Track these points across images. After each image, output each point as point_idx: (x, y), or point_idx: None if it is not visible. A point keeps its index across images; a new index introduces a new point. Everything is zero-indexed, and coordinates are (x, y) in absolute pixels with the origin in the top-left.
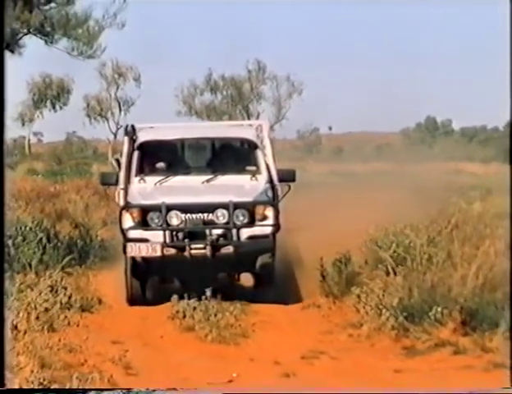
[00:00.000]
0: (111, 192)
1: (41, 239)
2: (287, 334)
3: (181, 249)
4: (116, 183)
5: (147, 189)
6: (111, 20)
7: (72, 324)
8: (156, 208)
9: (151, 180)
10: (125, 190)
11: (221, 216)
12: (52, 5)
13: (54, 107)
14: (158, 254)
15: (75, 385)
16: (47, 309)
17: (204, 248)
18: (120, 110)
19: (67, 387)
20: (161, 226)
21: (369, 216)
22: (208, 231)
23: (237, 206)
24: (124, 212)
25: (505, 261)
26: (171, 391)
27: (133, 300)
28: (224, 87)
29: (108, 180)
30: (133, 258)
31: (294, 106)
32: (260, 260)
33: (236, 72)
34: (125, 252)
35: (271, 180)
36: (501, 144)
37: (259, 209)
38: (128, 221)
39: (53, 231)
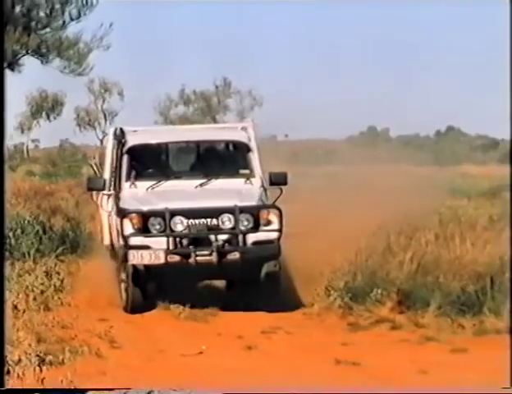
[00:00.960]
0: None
1: (38, 231)
2: (250, 313)
3: (186, 256)
4: (103, 188)
5: (139, 194)
6: (98, 43)
7: (65, 304)
8: (158, 214)
9: (142, 185)
10: (117, 195)
11: (226, 221)
12: (48, 30)
13: (49, 118)
14: (162, 261)
15: (67, 356)
16: (42, 292)
17: (210, 254)
18: (105, 120)
19: (68, 388)
20: (164, 232)
21: (323, 209)
22: (213, 237)
23: (241, 210)
24: (124, 218)
25: (435, 249)
26: (171, 391)
27: (133, 309)
28: (195, 100)
29: (95, 186)
30: (134, 266)
31: (256, 116)
32: (266, 268)
33: (206, 88)
34: (126, 260)
35: (262, 184)
36: (432, 150)
37: (263, 214)
38: (128, 227)
39: (48, 224)
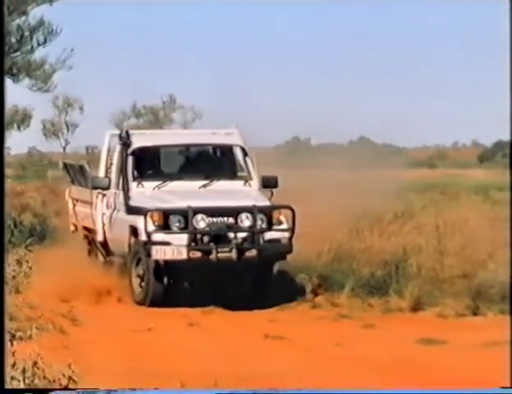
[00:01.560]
0: (61, 192)
1: (9, 225)
2: None
3: (207, 253)
4: (108, 187)
5: (146, 193)
6: (61, 65)
7: (33, 288)
8: (179, 212)
9: (148, 184)
10: (126, 194)
11: (245, 219)
12: (18, 53)
13: (20, 129)
14: (184, 257)
15: (34, 332)
16: (14, 277)
17: (230, 251)
18: (68, 130)
19: (67, 388)
20: (185, 229)
21: None
22: (232, 235)
23: (258, 210)
24: (146, 215)
25: (349, 241)
26: (171, 391)
27: (153, 302)
28: (145, 114)
29: (100, 185)
30: (156, 261)
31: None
32: (277, 265)
33: (155, 103)
34: (149, 255)
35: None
36: (345, 156)
37: (276, 214)
38: (149, 224)
39: (19, 219)
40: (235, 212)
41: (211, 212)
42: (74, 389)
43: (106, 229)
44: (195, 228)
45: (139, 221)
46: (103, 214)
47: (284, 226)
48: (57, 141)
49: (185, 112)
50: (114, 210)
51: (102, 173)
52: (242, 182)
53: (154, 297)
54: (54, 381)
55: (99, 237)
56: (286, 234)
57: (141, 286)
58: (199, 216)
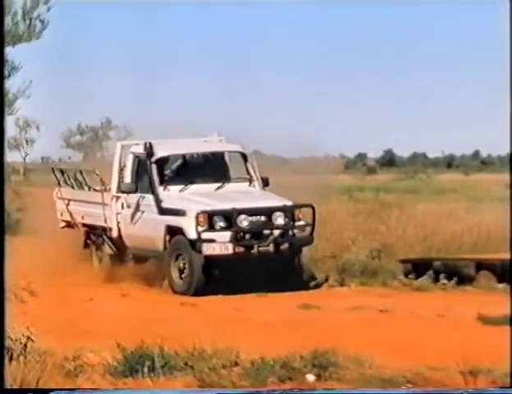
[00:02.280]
0: (21, 193)
1: None
2: None
3: (249, 248)
4: (136, 191)
5: (172, 195)
6: (21, 94)
7: None
8: (222, 213)
9: (173, 188)
10: (157, 197)
11: (279, 217)
12: None
13: None
14: (230, 252)
15: None
16: None
17: (267, 245)
18: (27, 145)
19: (67, 388)
20: (229, 228)
21: None
22: (268, 231)
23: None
24: (196, 216)
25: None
26: (171, 391)
27: (196, 292)
28: (87, 132)
29: (128, 189)
30: (205, 256)
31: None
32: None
33: (95, 123)
34: (200, 251)
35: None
36: (294, 166)
37: (297, 211)
38: (197, 224)
39: None
40: (269, 211)
41: (250, 212)
42: (74, 389)
43: (121, 226)
44: (239, 227)
45: (183, 221)
46: (118, 213)
47: (302, 222)
48: (18, 153)
49: (119, 130)
50: (137, 211)
51: (115, 179)
52: (247, 184)
53: (198, 287)
54: (16, 340)
55: (114, 233)
56: (308, 229)
57: (181, 278)
58: (242, 216)
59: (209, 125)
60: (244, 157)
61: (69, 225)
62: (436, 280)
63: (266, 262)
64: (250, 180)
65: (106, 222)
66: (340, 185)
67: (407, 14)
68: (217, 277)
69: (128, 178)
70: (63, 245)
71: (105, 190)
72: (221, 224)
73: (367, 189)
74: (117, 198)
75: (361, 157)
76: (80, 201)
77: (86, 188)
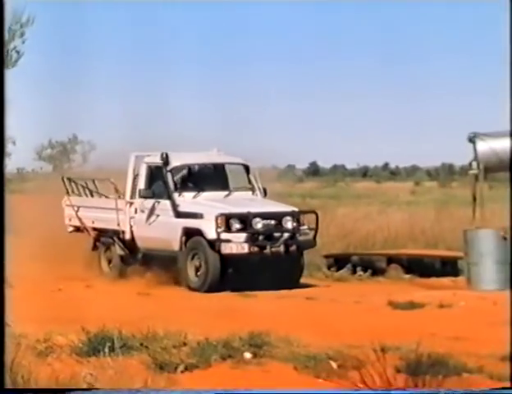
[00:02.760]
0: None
1: None
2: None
3: (262, 248)
4: (153, 197)
5: (186, 201)
6: None
7: None
8: (238, 216)
9: (187, 195)
10: (173, 202)
11: (288, 221)
12: None
13: None
14: (246, 251)
15: None
16: None
17: (278, 246)
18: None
19: (67, 388)
20: (245, 229)
21: None
22: (279, 233)
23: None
24: (216, 219)
25: None
26: (172, 392)
27: (210, 288)
28: (57, 146)
29: (147, 195)
30: (218, 255)
31: (94, 156)
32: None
33: (64, 139)
34: (219, 250)
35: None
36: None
37: (302, 217)
38: (217, 226)
39: None
40: (280, 216)
41: (264, 216)
42: (74, 389)
43: (134, 229)
44: (254, 229)
45: (202, 223)
46: (131, 218)
47: (306, 227)
48: None
49: (84, 145)
50: (151, 215)
51: (129, 186)
52: (250, 192)
53: (212, 284)
54: None
55: (127, 236)
56: (311, 233)
57: (197, 276)
58: (257, 219)
59: (164, 137)
60: (247, 168)
61: (78, 229)
62: (354, 272)
63: (277, 261)
64: (253, 190)
65: (119, 225)
66: (274, 191)
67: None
68: (230, 275)
69: (142, 185)
70: (38, 243)
71: (118, 196)
72: (237, 226)
73: (295, 195)
74: (131, 203)
75: (290, 168)
76: (90, 207)
77: (97, 195)
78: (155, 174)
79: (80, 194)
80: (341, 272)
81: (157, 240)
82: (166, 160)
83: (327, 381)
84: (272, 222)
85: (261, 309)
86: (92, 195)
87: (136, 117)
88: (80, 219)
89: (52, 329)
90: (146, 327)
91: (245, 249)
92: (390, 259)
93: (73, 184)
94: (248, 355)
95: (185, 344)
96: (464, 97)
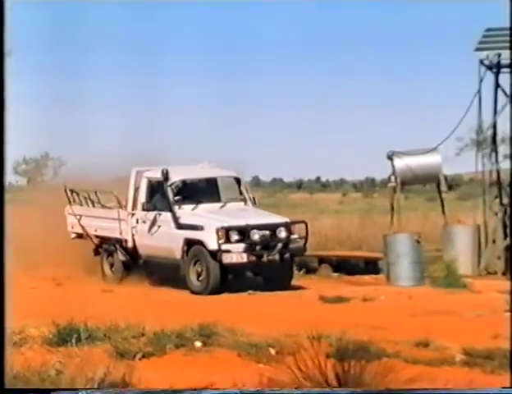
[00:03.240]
0: None
1: None
2: None
3: (259, 257)
4: (154, 209)
5: (185, 213)
6: None
7: None
8: (237, 228)
9: (186, 207)
10: (174, 214)
11: (282, 231)
12: None
13: None
14: (245, 260)
15: None
16: None
17: (274, 255)
18: None
19: (67, 388)
20: (243, 240)
21: None
22: (274, 243)
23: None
24: (217, 231)
25: None
26: (171, 391)
27: (212, 291)
28: (30, 162)
29: (148, 208)
30: (219, 263)
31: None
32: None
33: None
34: (220, 260)
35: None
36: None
37: (293, 226)
38: (218, 237)
39: None
40: (274, 227)
41: (260, 227)
42: (74, 389)
43: (136, 238)
44: (251, 239)
45: (203, 235)
46: (133, 227)
47: (296, 235)
48: None
49: (54, 161)
50: (153, 226)
51: (131, 198)
52: (242, 203)
53: (214, 288)
54: None
55: (129, 244)
56: (302, 241)
57: (199, 281)
58: (254, 230)
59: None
60: (238, 181)
61: (80, 236)
62: None
63: (273, 267)
64: (244, 200)
65: (121, 234)
66: None
67: None
68: (229, 280)
69: (143, 198)
70: (14, 249)
71: (120, 207)
72: (236, 237)
73: None
74: (133, 214)
75: (237, 179)
76: (93, 217)
77: (99, 206)
78: (155, 188)
79: (81, 204)
80: None
81: (159, 249)
82: (166, 175)
83: (267, 365)
84: (267, 232)
85: (209, 303)
86: (94, 205)
87: (108, 131)
88: (82, 227)
89: (26, 323)
90: (109, 320)
91: (244, 258)
92: (321, 260)
93: (74, 194)
94: (198, 344)
95: (143, 335)
96: (385, 115)
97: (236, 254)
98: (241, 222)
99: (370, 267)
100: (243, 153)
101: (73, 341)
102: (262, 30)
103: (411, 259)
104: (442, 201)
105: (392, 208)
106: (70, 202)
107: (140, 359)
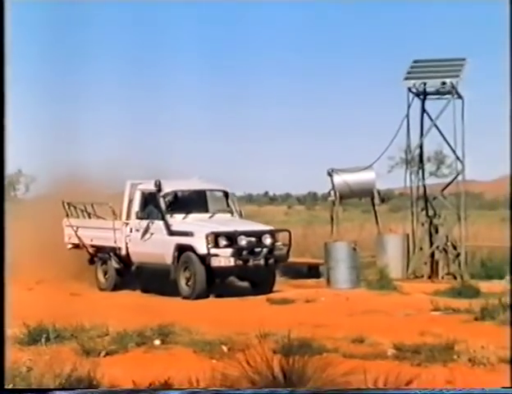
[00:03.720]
0: None
1: None
2: None
3: (246, 261)
4: (147, 218)
5: (177, 222)
6: None
7: None
8: (225, 234)
9: (177, 216)
10: (166, 223)
11: (267, 238)
12: None
13: None
14: (232, 264)
15: None
16: None
17: (259, 260)
18: None
19: (67, 388)
20: (231, 246)
21: None
22: (259, 249)
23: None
24: (206, 237)
25: None
26: (172, 392)
27: (199, 296)
28: (5, 178)
29: (141, 217)
30: (205, 268)
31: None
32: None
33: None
34: (209, 264)
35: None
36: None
37: (278, 234)
38: (207, 243)
39: None
40: (260, 234)
41: (247, 234)
42: (74, 389)
43: (129, 246)
44: (239, 245)
45: (193, 240)
46: (127, 236)
47: (280, 243)
48: None
49: (27, 177)
50: (145, 234)
51: (125, 209)
52: (229, 215)
53: (199, 292)
54: None
55: (123, 252)
56: (286, 248)
57: (188, 285)
58: (242, 236)
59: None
60: (226, 194)
61: (76, 247)
62: None
63: (258, 272)
64: (231, 212)
65: (115, 242)
66: None
67: None
68: (216, 285)
69: (137, 208)
70: None
71: (115, 218)
72: (224, 242)
73: None
74: (127, 224)
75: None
76: (89, 227)
77: (95, 217)
78: (148, 199)
79: (78, 216)
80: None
81: (151, 255)
82: (159, 187)
83: (220, 361)
84: (254, 238)
85: (167, 305)
86: (90, 217)
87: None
88: (79, 238)
89: None
90: (75, 321)
91: (231, 262)
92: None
93: (72, 207)
94: (157, 342)
95: (107, 334)
96: (326, 139)
97: (224, 258)
98: (229, 229)
99: (312, 271)
100: (204, 169)
101: (42, 340)
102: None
103: (348, 265)
104: (376, 213)
105: (332, 219)
106: (67, 215)
107: (104, 357)
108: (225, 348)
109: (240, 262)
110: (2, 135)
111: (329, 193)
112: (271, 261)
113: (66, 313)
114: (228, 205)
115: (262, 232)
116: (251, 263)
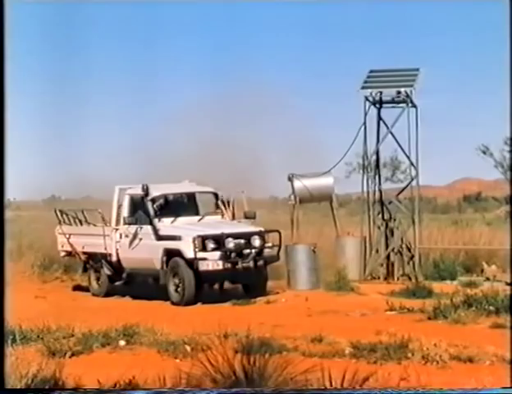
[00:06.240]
0: None
1: None
2: None
3: (234, 264)
4: (136, 223)
5: (166, 226)
6: None
7: None
8: (213, 237)
9: (166, 220)
10: (154, 227)
11: (257, 240)
12: None
13: None
14: (221, 267)
15: None
16: None
17: (248, 262)
18: None
19: (67, 388)
20: (219, 248)
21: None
22: (248, 250)
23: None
24: (193, 240)
25: None
26: (172, 392)
27: (188, 302)
28: None
29: (130, 222)
30: (194, 272)
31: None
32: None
33: None
34: (197, 268)
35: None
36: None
37: (267, 236)
38: (194, 246)
39: None
40: (249, 235)
41: (235, 236)
42: (74, 389)
43: (120, 252)
44: (227, 248)
45: (181, 244)
46: (117, 242)
47: (270, 244)
48: None
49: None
50: (134, 239)
51: (114, 215)
52: (219, 217)
53: (189, 298)
54: None
55: (113, 258)
56: (276, 248)
57: (177, 291)
58: (229, 239)
59: None
60: (216, 196)
61: (69, 254)
62: None
63: (247, 274)
64: (222, 214)
65: (106, 249)
66: None
67: None
68: (205, 290)
69: (126, 213)
70: None
71: (105, 224)
72: (212, 246)
73: None
74: (116, 229)
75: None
76: (81, 234)
77: (86, 224)
78: (137, 203)
79: (70, 224)
80: None
81: (140, 261)
82: (146, 191)
83: (183, 360)
84: (242, 240)
85: (131, 307)
86: (81, 224)
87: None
88: (71, 245)
89: None
90: (41, 322)
91: (220, 265)
92: None
93: (64, 215)
94: (122, 343)
95: (72, 335)
96: (286, 143)
97: (212, 261)
98: (217, 231)
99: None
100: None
101: (9, 342)
102: None
103: (308, 266)
104: (334, 217)
105: (292, 223)
106: (60, 222)
107: (70, 357)
108: (188, 348)
109: (229, 265)
110: (2, 134)
111: (289, 197)
112: (260, 263)
113: (32, 315)
114: (218, 207)
115: (251, 234)
116: (240, 265)
